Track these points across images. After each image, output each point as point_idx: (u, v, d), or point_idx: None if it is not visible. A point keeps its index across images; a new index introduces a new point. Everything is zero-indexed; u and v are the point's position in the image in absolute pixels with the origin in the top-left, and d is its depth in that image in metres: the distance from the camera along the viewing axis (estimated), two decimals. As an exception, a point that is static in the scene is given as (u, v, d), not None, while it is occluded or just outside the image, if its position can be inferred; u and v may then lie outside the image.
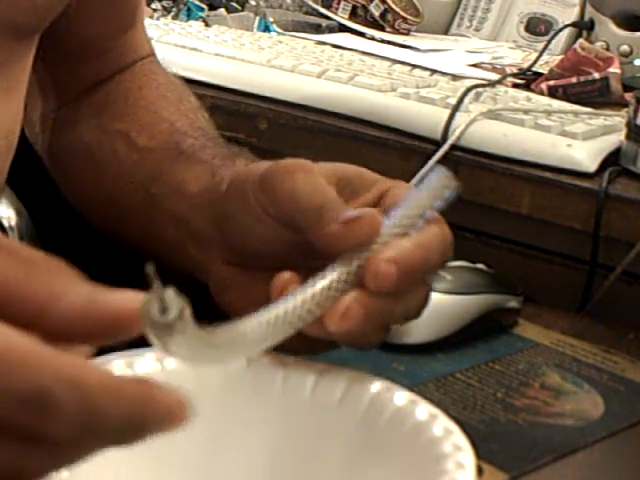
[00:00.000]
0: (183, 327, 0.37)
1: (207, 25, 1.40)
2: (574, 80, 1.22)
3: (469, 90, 1.06)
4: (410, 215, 0.49)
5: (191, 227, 0.58)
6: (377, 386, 0.47)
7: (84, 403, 0.31)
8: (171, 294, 0.37)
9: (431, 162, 0.97)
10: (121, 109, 0.69)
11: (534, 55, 1.36)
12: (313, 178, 0.50)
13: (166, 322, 0.37)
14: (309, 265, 0.52)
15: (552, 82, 1.23)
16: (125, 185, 0.64)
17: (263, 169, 0.52)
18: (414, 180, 0.94)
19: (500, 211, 0.96)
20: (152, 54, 0.76)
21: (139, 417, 0.33)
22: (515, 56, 1.43)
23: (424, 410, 0.46)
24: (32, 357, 0.31)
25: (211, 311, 0.59)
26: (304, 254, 0.52)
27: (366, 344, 0.50)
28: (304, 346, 0.48)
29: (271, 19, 1.50)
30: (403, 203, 0.49)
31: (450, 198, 0.50)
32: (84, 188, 0.69)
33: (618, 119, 1.06)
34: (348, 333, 0.47)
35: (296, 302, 0.45)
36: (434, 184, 0.50)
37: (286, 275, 0.48)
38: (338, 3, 1.59)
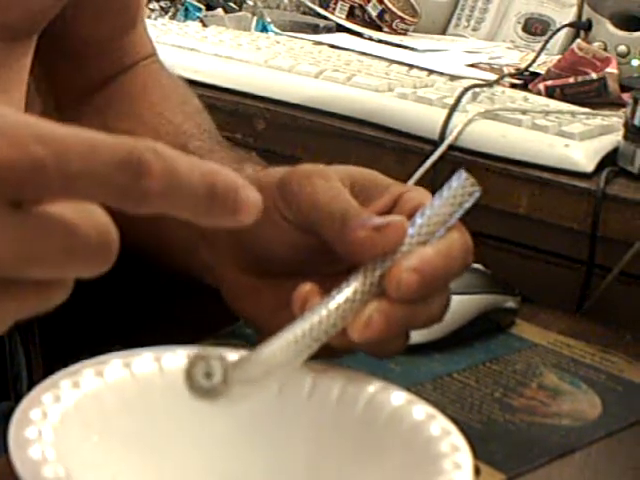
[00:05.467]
0: (227, 389, 0.38)
1: (204, 25, 1.40)
2: (571, 80, 1.22)
3: (466, 90, 1.06)
4: (432, 223, 0.48)
5: (203, 228, 0.58)
6: (374, 386, 0.47)
7: (168, 165, 0.34)
8: (216, 358, 0.37)
9: (428, 162, 0.97)
10: (125, 109, 0.69)
11: (532, 55, 1.36)
12: (333, 184, 0.50)
13: (210, 387, 0.37)
14: (324, 271, 0.51)
15: (550, 82, 1.23)
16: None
17: (280, 175, 0.52)
18: (411, 181, 0.94)
19: (497, 211, 0.96)
20: (154, 54, 0.76)
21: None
22: (512, 56, 1.43)
23: (421, 410, 0.46)
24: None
25: (212, 311, 0.59)
26: (319, 260, 0.52)
27: (387, 352, 0.49)
28: (321, 351, 0.48)
29: (269, 19, 1.49)
30: (425, 210, 0.49)
31: (473, 204, 0.49)
32: None
33: (615, 119, 1.06)
34: (370, 342, 0.47)
35: (321, 316, 0.44)
36: (456, 190, 0.49)
37: (307, 287, 0.47)
38: (335, 3, 1.59)
